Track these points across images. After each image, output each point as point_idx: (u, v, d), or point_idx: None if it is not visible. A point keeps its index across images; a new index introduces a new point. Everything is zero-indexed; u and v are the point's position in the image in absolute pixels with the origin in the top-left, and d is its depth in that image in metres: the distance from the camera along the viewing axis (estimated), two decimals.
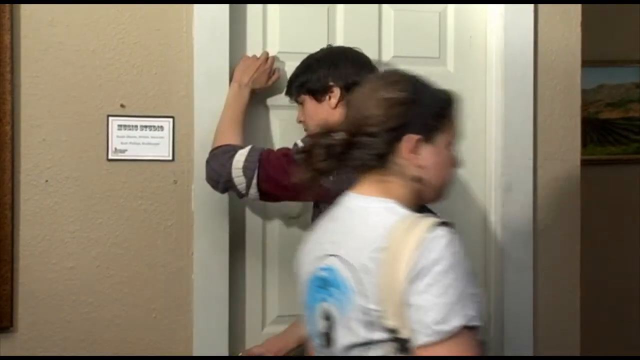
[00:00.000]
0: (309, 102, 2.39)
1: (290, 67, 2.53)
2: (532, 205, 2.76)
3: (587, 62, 2.89)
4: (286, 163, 2.21)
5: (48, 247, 2.40)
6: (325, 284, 1.65)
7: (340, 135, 1.65)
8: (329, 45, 2.53)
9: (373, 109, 1.64)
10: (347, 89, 2.29)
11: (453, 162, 1.73)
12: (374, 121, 1.63)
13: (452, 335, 1.47)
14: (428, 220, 1.54)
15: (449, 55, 2.78)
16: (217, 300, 2.51)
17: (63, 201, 2.41)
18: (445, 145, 1.69)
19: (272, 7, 2.62)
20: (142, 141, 2.48)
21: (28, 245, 2.38)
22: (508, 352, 2.73)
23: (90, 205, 2.43)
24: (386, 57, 2.71)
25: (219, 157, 2.32)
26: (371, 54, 2.66)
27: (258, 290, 2.62)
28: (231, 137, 2.38)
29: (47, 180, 2.39)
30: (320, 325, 1.67)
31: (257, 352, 2.43)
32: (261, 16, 2.62)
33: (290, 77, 2.46)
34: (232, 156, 2.29)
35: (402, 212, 1.61)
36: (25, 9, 2.37)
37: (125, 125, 2.47)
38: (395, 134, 1.63)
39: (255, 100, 2.56)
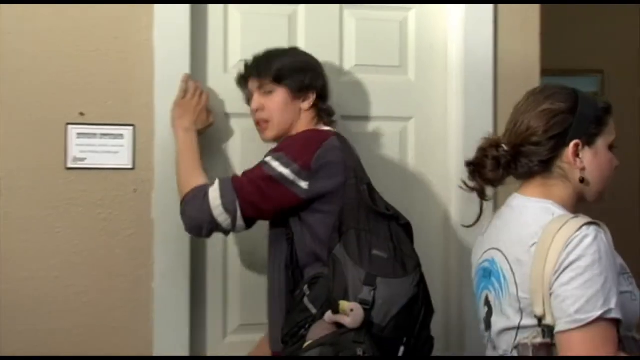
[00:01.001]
0: (282, 95, 2.33)
1: None
2: (492, 212, 2.76)
3: (547, 72, 2.92)
4: (265, 186, 2.17)
5: (2, 257, 2.37)
6: (488, 273, 1.87)
7: (508, 147, 1.85)
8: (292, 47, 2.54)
9: (535, 120, 1.83)
10: (320, 97, 2.37)
11: (613, 164, 1.88)
12: (538, 131, 1.82)
13: (589, 324, 1.63)
14: (578, 220, 1.71)
15: (410, 64, 2.79)
16: (178, 310, 2.49)
17: (18, 210, 2.38)
18: (605, 148, 1.86)
19: (233, 14, 2.62)
20: (101, 149, 2.46)
21: None
22: (469, 352, 2.73)
23: (48, 214, 2.41)
24: (348, 65, 2.72)
25: (192, 203, 2.20)
26: (333, 62, 2.68)
27: (220, 299, 2.61)
28: (195, 182, 2.26)
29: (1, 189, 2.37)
30: (483, 311, 1.90)
31: None
32: (222, 24, 2.62)
33: (267, 56, 2.37)
34: (205, 196, 2.17)
35: (557, 211, 1.78)
36: None
37: (84, 134, 2.45)
38: (557, 141, 1.82)
39: (214, 109, 2.55)
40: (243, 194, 2.17)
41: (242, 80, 2.42)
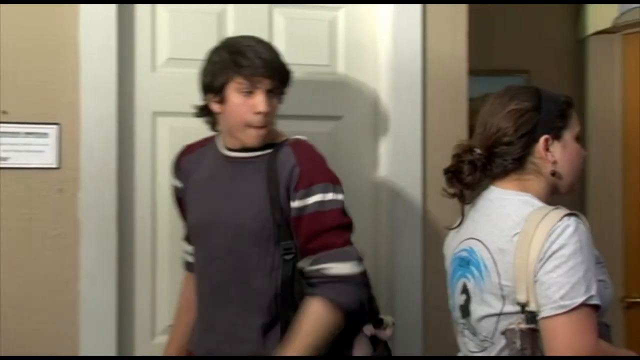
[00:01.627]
0: (278, 98, 2.25)
1: (181, 75, 2.51)
2: (421, 212, 2.80)
3: (474, 72, 2.96)
4: (346, 220, 2.20)
5: None
6: (465, 262, 1.94)
7: (481, 150, 1.93)
8: None
9: (504, 121, 1.92)
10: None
11: (581, 154, 1.99)
12: (508, 131, 1.91)
13: (573, 309, 1.71)
14: (559, 212, 1.80)
15: (340, 63, 2.80)
16: (105, 311, 2.46)
17: None
18: (572, 140, 1.96)
19: (161, 13, 2.60)
20: (25, 149, 2.42)
21: None
22: (399, 353, 2.77)
23: None
24: None
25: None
26: None
27: (148, 300, 2.58)
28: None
29: None
30: (459, 298, 1.97)
31: None
32: (150, 22, 2.59)
33: (280, 59, 2.24)
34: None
35: (537, 203, 1.87)
36: None
37: (7, 132, 2.40)
38: (528, 138, 1.91)
39: (141, 107, 2.53)
40: (346, 241, 2.16)
41: (257, 74, 2.17)
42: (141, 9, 2.57)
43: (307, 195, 2.13)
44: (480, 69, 3.15)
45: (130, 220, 2.56)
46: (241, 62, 2.15)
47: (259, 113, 2.16)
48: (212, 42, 2.58)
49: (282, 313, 2.15)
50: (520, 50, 3.73)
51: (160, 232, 2.58)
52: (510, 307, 1.83)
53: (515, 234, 1.82)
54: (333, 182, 2.18)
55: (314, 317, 2.08)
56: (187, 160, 2.36)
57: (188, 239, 2.41)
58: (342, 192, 2.20)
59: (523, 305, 1.80)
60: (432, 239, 2.82)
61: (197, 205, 2.29)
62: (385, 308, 2.78)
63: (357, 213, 2.76)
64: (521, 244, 1.80)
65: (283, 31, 2.72)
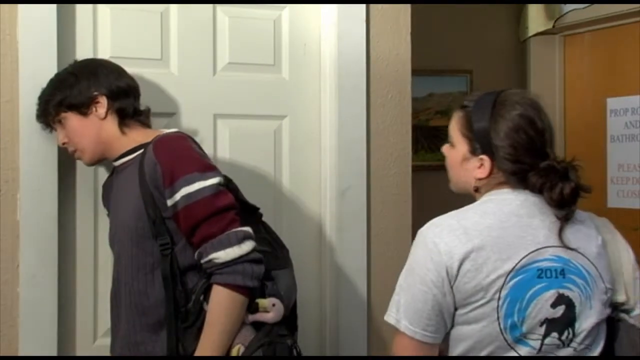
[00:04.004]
0: (73, 118, 2.26)
1: None
2: (365, 211, 2.81)
3: (418, 72, 2.99)
4: (220, 204, 2.13)
5: None
6: (558, 272, 1.81)
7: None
8: (74, 60, 2.41)
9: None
10: (113, 96, 2.26)
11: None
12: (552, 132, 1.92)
13: None
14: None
15: (284, 62, 2.80)
16: (45, 314, 2.42)
17: None
18: None
19: (103, 11, 2.55)
20: None
21: None
22: (343, 352, 2.77)
23: None
24: (221, 63, 2.70)
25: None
26: (206, 60, 2.66)
27: (89, 302, 2.55)
28: None
29: None
30: (549, 312, 1.80)
31: None
32: (91, 19, 2.54)
33: (41, 98, 2.32)
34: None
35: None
36: None
37: None
38: None
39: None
40: (224, 227, 2.11)
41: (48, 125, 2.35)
42: (82, 7, 2.53)
43: (173, 192, 2.11)
44: (424, 69, 3.19)
45: (72, 220, 2.51)
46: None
47: (61, 145, 2.33)
48: (155, 41, 2.57)
49: (167, 310, 2.14)
50: (463, 50, 3.77)
51: (102, 233, 2.54)
52: (608, 310, 1.89)
53: (601, 239, 1.90)
54: (198, 169, 2.13)
55: (217, 305, 2.09)
56: (104, 186, 2.48)
57: None
58: (212, 176, 2.14)
59: (618, 305, 1.91)
60: (377, 237, 2.84)
61: (109, 223, 2.39)
62: (331, 306, 2.79)
63: (302, 212, 2.78)
64: (610, 247, 1.91)
65: (227, 30, 2.70)
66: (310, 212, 2.81)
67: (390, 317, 1.86)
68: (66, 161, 2.48)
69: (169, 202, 2.12)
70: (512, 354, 1.80)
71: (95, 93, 2.24)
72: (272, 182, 2.75)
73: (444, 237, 1.81)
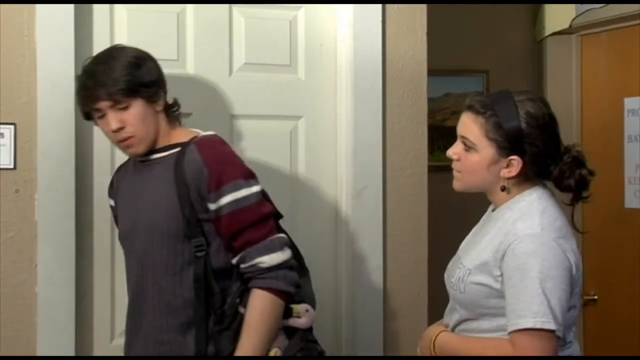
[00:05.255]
0: (140, 105, 2.15)
1: None
2: (381, 211, 2.81)
3: (433, 72, 2.98)
4: (264, 211, 2.19)
5: None
6: None
7: None
8: (114, 46, 2.32)
9: None
10: (165, 90, 2.23)
11: None
12: None
13: None
14: None
15: (300, 63, 2.80)
16: (63, 313, 2.43)
17: None
18: None
19: (119, 12, 2.57)
20: None
21: None
22: (359, 353, 2.77)
23: None
24: (237, 64, 2.70)
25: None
26: (222, 60, 2.67)
27: (107, 301, 2.56)
28: None
29: None
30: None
31: None
32: (108, 20, 2.56)
33: (109, 78, 2.11)
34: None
35: None
36: None
37: None
38: None
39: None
40: (267, 233, 2.16)
41: (93, 99, 2.14)
42: (99, 8, 2.54)
43: (219, 196, 2.13)
44: (440, 69, 3.17)
45: (89, 220, 2.53)
46: (79, 91, 2.19)
47: (114, 132, 2.16)
48: (172, 41, 2.58)
49: (198, 312, 2.15)
50: (479, 50, 3.76)
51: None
52: None
53: None
54: (245, 176, 2.17)
55: (259, 310, 2.12)
56: (117, 178, 2.38)
57: None
58: (256, 183, 2.18)
59: None
60: (393, 237, 2.84)
61: (121, 216, 2.32)
62: (347, 306, 2.79)
63: (317, 212, 2.78)
64: None
65: (243, 30, 2.71)
66: (326, 213, 2.81)
67: (549, 323, 1.85)
68: (83, 161, 2.50)
69: (212, 206, 2.13)
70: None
71: (159, 83, 2.21)
72: (287, 183, 2.75)
73: (560, 241, 1.93)
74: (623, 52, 3.57)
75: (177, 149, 2.20)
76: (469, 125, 2.01)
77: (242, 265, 2.15)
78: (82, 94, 2.17)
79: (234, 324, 2.13)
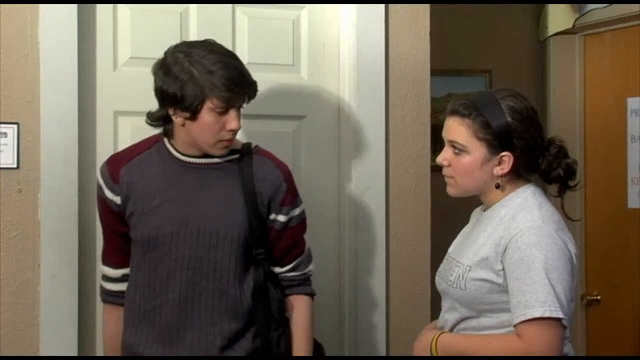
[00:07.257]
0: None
1: (143, 74, 2.48)
2: (384, 210, 2.81)
3: (436, 71, 2.98)
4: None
5: None
6: None
7: None
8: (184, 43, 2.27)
9: None
10: None
11: None
12: None
13: None
14: None
15: (303, 62, 2.80)
16: (66, 313, 2.44)
17: None
18: None
19: (123, 11, 2.57)
20: None
21: None
22: (362, 352, 2.77)
23: None
24: None
25: None
26: None
27: None
28: None
29: None
30: None
31: None
32: (111, 20, 2.57)
33: (248, 80, 2.15)
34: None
35: None
36: None
37: None
38: None
39: (102, 107, 2.52)
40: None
41: (232, 95, 2.10)
42: (102, 8, 2.55)
43: (292, 209, 2.27)
44: (443, 69, 3.17)
45: (92, 220, 2.52)
46: (217, 84, 2.06)
47: (231, 130, 2.13)
48: (174, 41, 2.56)
49: (255, 317, 2.20)
50: (482, 50, 3.76)
51: None
52: None
53: None
54: (298, 194, 2.34)
55: (310, 314, 2.31)
56: (126, 171, 2.22)
57: (114, 261, 2.30)
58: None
59: None
60: (396, 237, 2.84)
61: (154, 215, 2.18)
62: (350, 305, 2.79)
63: (320, 212, 2.78)
64: None
65: (246, 30, 2.72)
66: (328, 212, 2.81)
67: (557, 312, 1.86)
68: (87, 161, 2.50)
69: (281, 218, 2.25)
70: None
71: None
72: None
73: (560, 233, 1.96)
74: (626, 52, 3.57)
75: (235, 156, 2.22)
76: (456, 129, 2.04)
77: (292, 273, 2.30)
78: (224, 87, 2.07)
79: (280, 328, 2.24)
